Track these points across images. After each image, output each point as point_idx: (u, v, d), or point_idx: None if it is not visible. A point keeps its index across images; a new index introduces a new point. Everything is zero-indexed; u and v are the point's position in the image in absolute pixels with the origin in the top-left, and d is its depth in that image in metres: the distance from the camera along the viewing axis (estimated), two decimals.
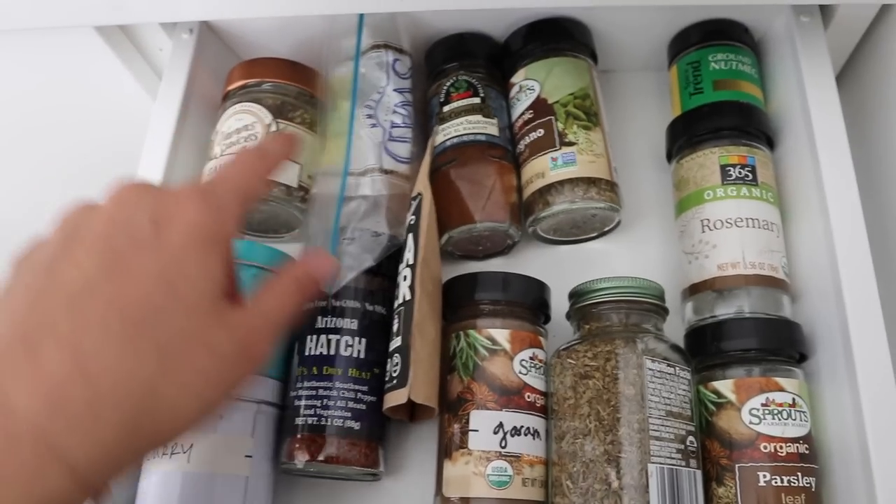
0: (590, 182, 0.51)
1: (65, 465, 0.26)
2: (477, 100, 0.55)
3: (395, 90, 0.54)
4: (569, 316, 0.49)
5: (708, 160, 0.51)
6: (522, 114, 0.55)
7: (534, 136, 0.54)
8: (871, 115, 0.57)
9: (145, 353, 0.28)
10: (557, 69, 0.55)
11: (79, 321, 0.28)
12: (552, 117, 0.53)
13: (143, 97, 0.62)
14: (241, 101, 0.55)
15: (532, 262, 0.56)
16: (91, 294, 0.29)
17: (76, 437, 0.27)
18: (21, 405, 0.26)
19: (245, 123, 0.54)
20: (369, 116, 0.53)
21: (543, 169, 0.52)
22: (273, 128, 0.54)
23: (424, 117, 0.58)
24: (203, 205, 0.32)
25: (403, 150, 0.53)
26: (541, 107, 0.54)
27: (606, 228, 0.55)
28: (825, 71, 0.51)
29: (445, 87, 0.56)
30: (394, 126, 0.53)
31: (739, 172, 0.50)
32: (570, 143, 0.52)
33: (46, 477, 0.26)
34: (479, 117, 0.55)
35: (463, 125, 0.54)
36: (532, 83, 0.55)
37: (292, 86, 0.56)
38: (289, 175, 0.53)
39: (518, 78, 0.57)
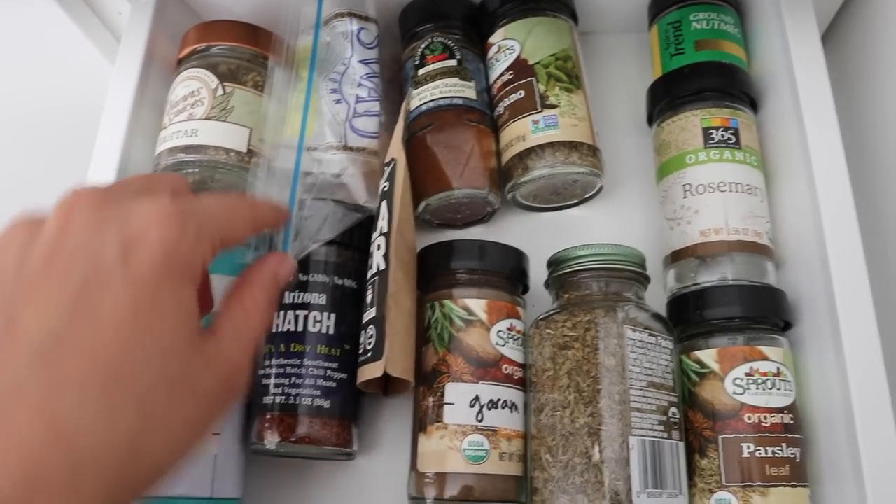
0: (571, 146, 0.50)
1: None
2: (453, 62, 0.53)
3: (360, 62, 0.52)
4: (547, 285, 0.47)
5: (689, 123, 0.50)
6: (501, 75, 0.53)
7: (514, 97, 0.52)
8: (858, 76, 0.56)
9: (125, 407, 0.25)
10: (538, 29, 0.53)
11: (49, 379, 0.24)
12: (533, 78, 0.51)
13: (102, 62, 0.60)
14: (190, 68, 0.53)
15: (512, 229, 0.55)
16: (58, 344, 0.25)
17: None
18: None
19: (191, 90, 0.52)
20: (333, 91, 0.51)
21: (524, 132, 0.50)
22: (219, 92, 0.51)
23: (394, 86, 0.55)
24: (179, 222, 0.28)
25: (370, 124, 0.51)
26: (521, 67, 0.52)
27: (587, 195, 0.54)
28: (810, 29, 0.50)
29: (420, 50, 0.54)
30: (359, 100, 0.51)
31: (722, 135, 0.49)
32: (552, 106, 0.50)
33: None
34: (455, 80, 0.53)
35: (439, 89, 0.52)
36: (512, 43, 0.53)
37: (245, 48, 0.54)
38: (237, 139, 0.51)
39: (497, 38, 0.54)
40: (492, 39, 0.55)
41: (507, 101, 0.52)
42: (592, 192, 0.53)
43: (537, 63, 0.52)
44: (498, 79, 0.53)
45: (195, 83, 0.52)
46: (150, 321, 0.26)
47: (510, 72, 0.52)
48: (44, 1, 0.55)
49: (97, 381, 0.25)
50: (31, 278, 0.26)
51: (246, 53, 0.54)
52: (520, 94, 0.51)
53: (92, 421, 0.24)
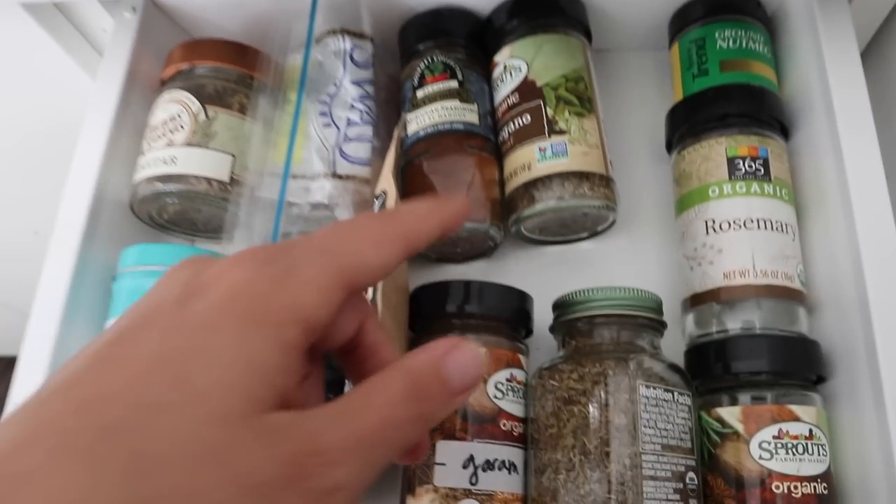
0: (582, 176, 0.46)
1: None
2: (454, 83, 0.49)
3: (352, 83, 0.49)
4: (553, 329, 0.43)
5: (713, 151, 0.45)
6: (507, 97, 0.49)
7: (519, 122, 0.48)
8: None
9: (110, 475, 0.17)
10: (547, 47, 0.49)
11: (35, 427, 0.18)
12: (541, 101, 0.47)
13: (84, 80, 0.57)
14: (173, 89, 0.50)
15: (516, 265, 0.51)
16: (62, 391, 0.19)
17: None
18: None
19: (171, 114, 0.48)
20: (323, 114, 0.47)
21: (529, 160, 0.46)
22: (202, 116, 0.48)
23: (391, 108, 0.52)
24: (259, 265, 0.22)
25: (362, 150, 0.47)
26: (528, 89, 0.48)
27: (599, 228, 0.49)
28: (849, 48, 0.46)
29: (419, 70, 0.50)
30: (350, 124, 0.47)
31: (749, 166, 0.44)
32: (561, 132, 0.46)
33: None
34: (456, 102, 0.49)
35: (438, 112, 0.48)
36: (518, 62, 0.49)
37: (231, 69, 0.50)
38: (219, 168, 0.47)
39: (502, 57, 0.50)
40: (497, 58, 0.51)
41: (511, 127, 0.48)
42: (605, 226, 0.49)
43: (546, 84, 0.48)
44: (503, 101, 0.49)
45: (176, 107, 0.48)
46: (187, 372, 0.19)
47: (516, 94, 0.48)
48: (23, 20, 0.51)
49: (79, 436, 0.18)
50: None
51: (232, 74, 0.50)
52: (526, 119, 0.47)
53: (57, 488, 0.17)
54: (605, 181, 0.46)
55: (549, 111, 0.47)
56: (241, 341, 0.20)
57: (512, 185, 0.47)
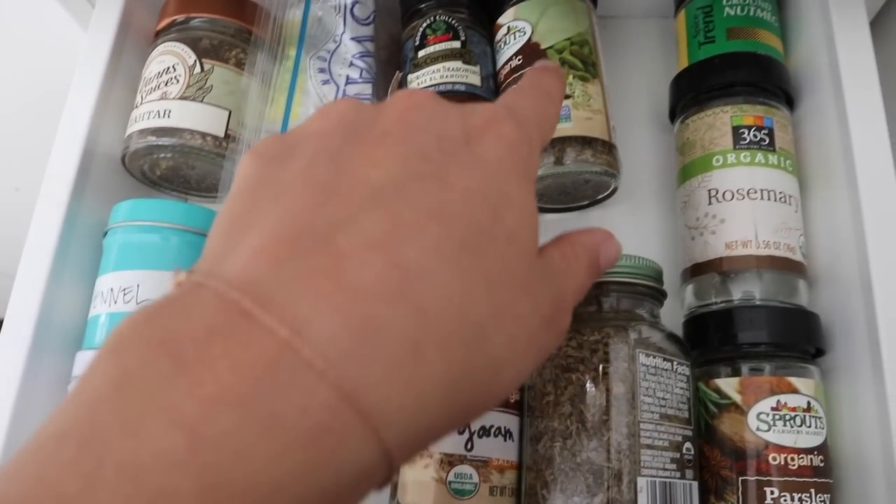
0: (585, 142, 0.45)
1: (372, 433, 0.17)
2: (457, 43, 0.48)
3: (352, 39, 0.47)
4: None
5: (718, 120, 0.45)
6: (510, 59, 0.48)
7: None
8: None
9: (476, 284, 0.20)
10: (552, 10, 0.48)
11: (391, 221, 0.19)
12: None
13: (75, 30, 0.55)
14: (168, 41, 0.48)
15: None
16: (401, 193, 0.20)
17: (391, 385, 0.18)
18: (315, 330, 0.17)
19: (166, 66, 0.47)
20: (321, 70, 0.46)
21: None
22: (197, 69, 0.46)
23: (391, 68, 0.50)
24: (518, 126, 0.24)
25: None
26: (532, 52, 0.47)
27: (600, 196, 0.49)
28: (858, 16, 0.44)
29: (421, 29, 0.49)
30: (349, 82, 0.46)
31: (754, 135, 0.44)
32: (565, 96, 0.45)
33: (347, 450, 0.17)
34: (458, 64, 0.48)
35: (440, 73, 0.47)
36: (522, 24, 0.48)
37: (229, 21, 0.49)
38: (214, 122, 0.46)
39: (506, 18, 0.49)
40: (501, 20, 0.50)
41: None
42: (606, 194, 0.48)
43: (550, 48, 0.47)
44: (506, 64, 0.48)
45: (171, 58, 0.47)
46: (499, 208, 0.21)
47: (519, 56, 0.47)
48: None
49: (448, 244, 0.20)
50: (367, 140, 0.22)
51: (229, 28, 0.49)
52: None
53: (442, 283, 0.19)
54: (607, 147, 0.45)
55: None
56: (524, 189, 0.23)
57: None
